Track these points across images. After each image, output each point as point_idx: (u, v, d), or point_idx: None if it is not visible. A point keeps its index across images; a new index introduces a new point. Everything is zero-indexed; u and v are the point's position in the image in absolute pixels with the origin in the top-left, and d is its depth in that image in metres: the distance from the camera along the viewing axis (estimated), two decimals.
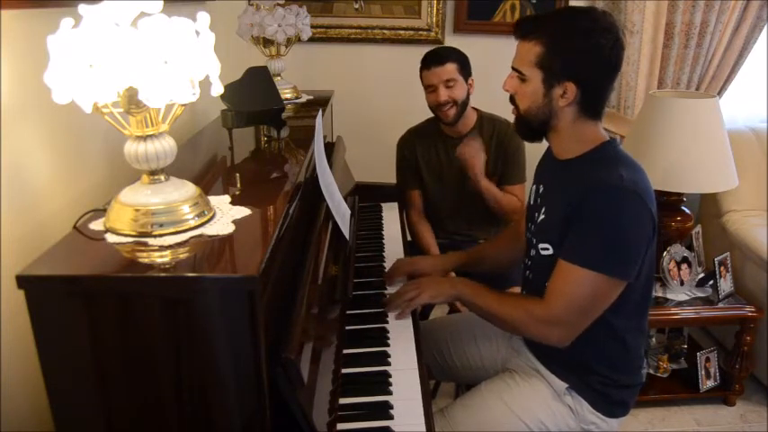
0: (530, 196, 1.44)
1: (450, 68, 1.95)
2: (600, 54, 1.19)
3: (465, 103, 2.01)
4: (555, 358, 1.37)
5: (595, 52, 1.19)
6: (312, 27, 2.07)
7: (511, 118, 2.01)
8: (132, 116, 0.90)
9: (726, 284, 2.25)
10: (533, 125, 1.29)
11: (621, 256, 1.20)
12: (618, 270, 1.20)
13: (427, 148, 2.12)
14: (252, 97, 1.47)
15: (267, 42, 1.95)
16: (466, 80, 1.99)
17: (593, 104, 1.25)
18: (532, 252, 1.38)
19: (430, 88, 1.99)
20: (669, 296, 2.25)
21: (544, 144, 1.45)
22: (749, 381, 2.36)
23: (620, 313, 1.28)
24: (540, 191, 1.39)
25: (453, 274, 2.03)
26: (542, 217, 1.34)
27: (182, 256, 0.88)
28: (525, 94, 1.26)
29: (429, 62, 1.97)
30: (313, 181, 1.42)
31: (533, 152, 1.65)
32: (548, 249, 1.30)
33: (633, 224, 1.19)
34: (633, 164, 1.26)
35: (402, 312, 1.44)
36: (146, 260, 0.87)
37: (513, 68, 1.27)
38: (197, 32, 0.88)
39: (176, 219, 0.92)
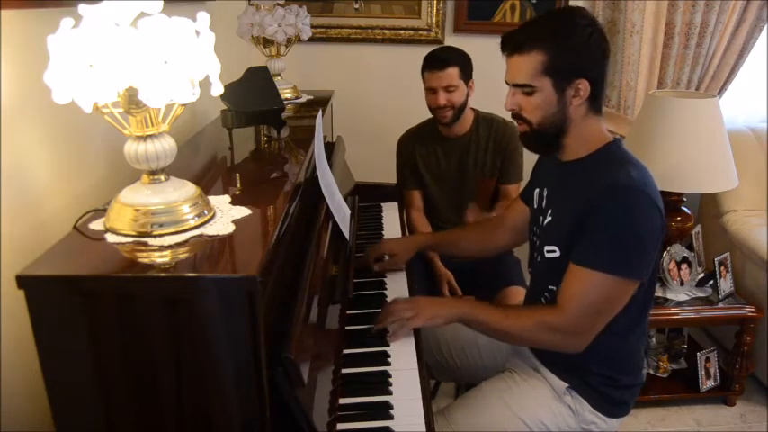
0: (534, 201, 1.44)
1: (452, 73, 1.94)
2: (593, 44, 1.21)
3: (463, 106, 2.01)
4: (555, 358, 1.37)
5: (592, 44, 1.21)
6: (312, 27, 2.06)
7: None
8: (132, 116, 0.90)
9: (726, 284, 2.25)
10: (549, 135, 1.26)
11: (636, 257, 1.20)
12: (633, 271, 1.20)
13: (426, 148, 2.12)
14: (252, 97, 1.47)
15: (267, 42, 1.95)
16: (466, 83, 1.99)
17: (598, 98, 1.26)
18: (536, 256, 1.38)
19: (430, 90, 1.98)
20: (669, 296, 2.25)
21: None
22: (749, 381, 2.36)
23: (625, 313, 1.28)
24: (545, 194, 1.39)
25: (451, 275, 2.04)
26: (549, 219, 1.34)
27: (182, 256, 0.88)
28: (536, 106, 1.23)
29: (431, 65, 1.96)
30: (313, 181, 1.42)
31: (530, 154, 1.65)
32: (554, 252, 1.30)
33: (646, 225, 1.19)
34: (639, 164, 1.26)
35: (395, 335, 1.34)
36: (146, 260, 0.87)
37: (516, 85, 1.24)
38: (197, 32, 0.88)
39: (176, 219, 0.92)
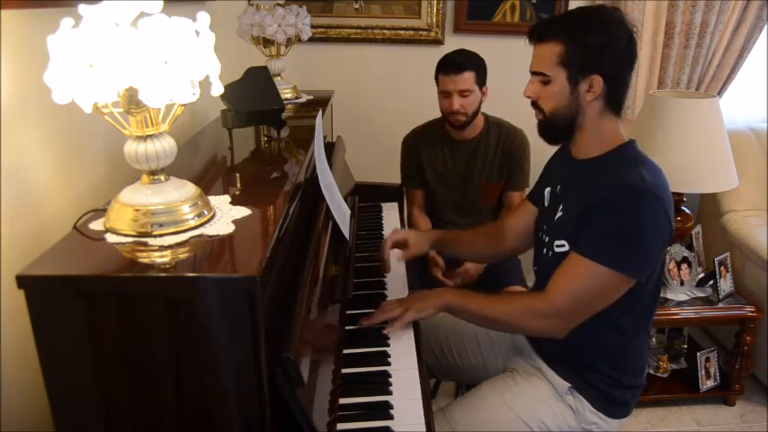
0: (544, 199, 1.44)
1: (468, 77, 1.92)
2: (618, 45, 1.21)
3: (476, 112, 2.00)
4: (559, 357, 1.37)
5: (614, 44, 1.21)
6: (312, 27, 2.06)
7: (515, 120, 2.07)
8: (132, 116, 0.90)
9: (726, 284, 2.25)
10: (560, 126, 1.29)
11: (633, 253, 1.21)
12: (627, 267, 1.20)
13: (431, 149, 2.12)
14: (252, 97, 1.47)
15: (267, 42, 1.95)
16: (481, 89, 1.98)
17: (616, 98, 1.26)
18: (546, 252, 1.38)
19: (444, 93, 1.97)
20: (669, 296, 2.25)
21: (550, 149, 1.44)
22: (749, 381, 2.36)
23: (630, 314, 1.28)
24: (557, 191, 1.39)
25: (442, 261, 2.02)
26: (560, 215, 1.34)
27: (182, 256, 0.88)
28: (550, 95, 1.26)
29: (447, 68, 1.94)
30: (313, 181, 1.42)
31: (538, 157, 1.65)
32: (564, 246, 1.30)
33: (650, 225, 1.20)
34: (653, 166, 1.27)
35: (391, 327, 1.36)
36: (146, 260, 0.87)
37: (535, 73, 1.27)
38: (197, 32, 0.88)
39: (176, 219, 0.92)
